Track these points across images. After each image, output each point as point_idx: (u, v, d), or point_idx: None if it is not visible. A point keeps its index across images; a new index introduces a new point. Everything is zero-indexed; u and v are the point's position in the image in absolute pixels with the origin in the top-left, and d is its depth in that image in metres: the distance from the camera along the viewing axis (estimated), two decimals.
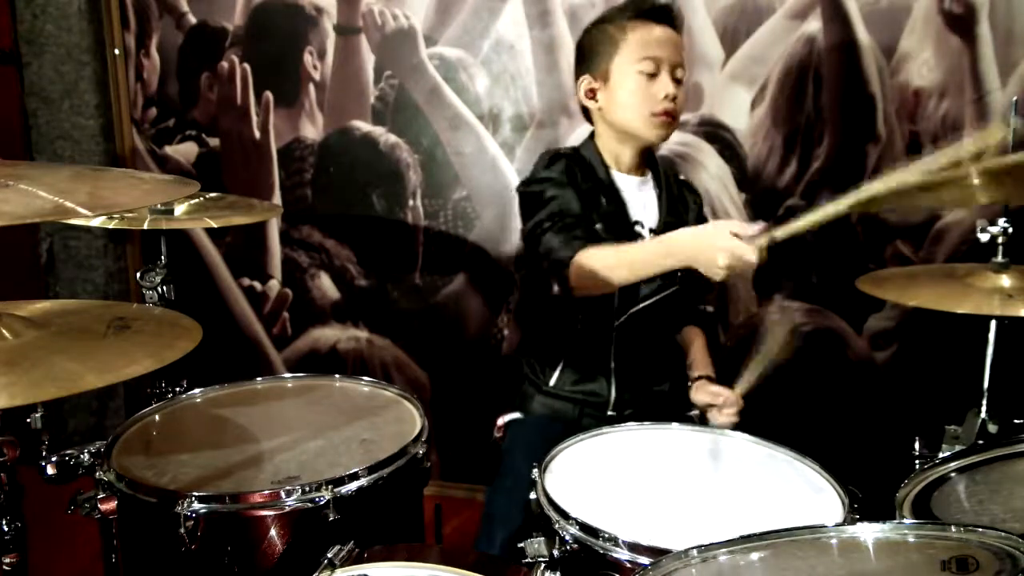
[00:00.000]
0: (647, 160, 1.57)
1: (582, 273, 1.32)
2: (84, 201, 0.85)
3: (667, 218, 1.52)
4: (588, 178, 1.48)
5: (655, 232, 1.51)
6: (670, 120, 1.44)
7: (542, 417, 1.54)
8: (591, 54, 1.49)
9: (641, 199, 1.53)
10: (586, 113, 1.56)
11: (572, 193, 1.43)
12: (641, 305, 1.48)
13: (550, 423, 1.51)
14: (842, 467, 1.16)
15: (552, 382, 1.54)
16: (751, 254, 1.15)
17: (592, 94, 1.50)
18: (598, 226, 1.44)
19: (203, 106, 2.41)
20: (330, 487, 1.11)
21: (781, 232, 1.16)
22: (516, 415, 1.57)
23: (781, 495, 1.14)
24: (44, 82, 2.40)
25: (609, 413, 1.50)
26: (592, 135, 1.56)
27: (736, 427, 1.32)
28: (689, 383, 1.52)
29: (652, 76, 1.42)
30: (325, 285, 2.41)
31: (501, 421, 1.58)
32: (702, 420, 1.58)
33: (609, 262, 1.31)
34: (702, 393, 1.46)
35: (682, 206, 1.57)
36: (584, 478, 1.18)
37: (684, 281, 1.46)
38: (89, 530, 1.39)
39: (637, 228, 1.50)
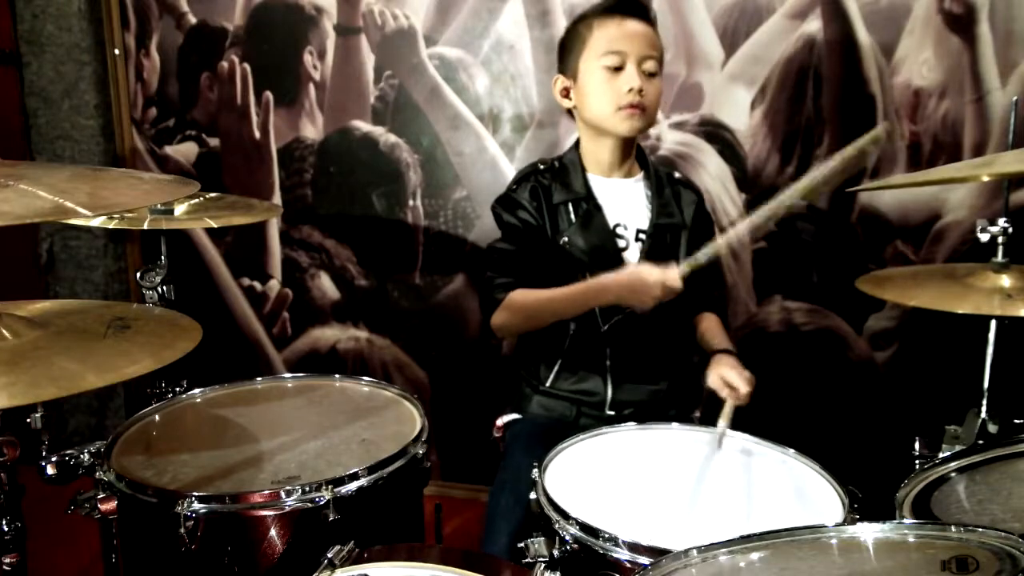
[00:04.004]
0: (638, 160, 1.57)
1: (509, 310, 1.44)
2: (84, 201, 0.85)
3: (658, 220, 1.51)
4: (563, 188, 1.50)
5: (644, 234, 1.50)
6: (639, 112, 1.44)
7: (540, 417, 1.54)
8: (564, 53, 1.52)
9: (627, 201, 1.53)
10: (572, 114, 1.56)
11: (531, 218, 1.49)
12: (627, 311, 1.47)
13: (548, 423, 1.51)
14: (842, 467, 1.16)
15: (549, 382, 1.54)
16: (679, 283, 1.30)
17: (566, 93, 1.52)
18: (564, 239, 1.47)
19: (203, 106, 2.41)
20: (330, 487, 1.11)
21: (703, 254, 1.31)
22: (515, 416, 1.57)
23: (781, 495, 1.14)
24: (44, 82, 2.40)
25: (608, 412, 1.50)
26: (579, 138, 1.56)
27: (736, 427, 1.32)
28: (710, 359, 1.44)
29: (617, 70, 1.43)
30: (325, 285, 2.41)
31: (500, 422, 1.58)
32: (702, 420, 1.58)
33: (531, 305, 1.43)
34: (715, 377, 1.35)
35: (677, 206, 1.56)
36: (584, 478, 1.18)
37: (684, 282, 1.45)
38: (89, 530, 1.39)
39: (619, 231, 1.50)
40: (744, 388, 1.30)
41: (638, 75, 1.42)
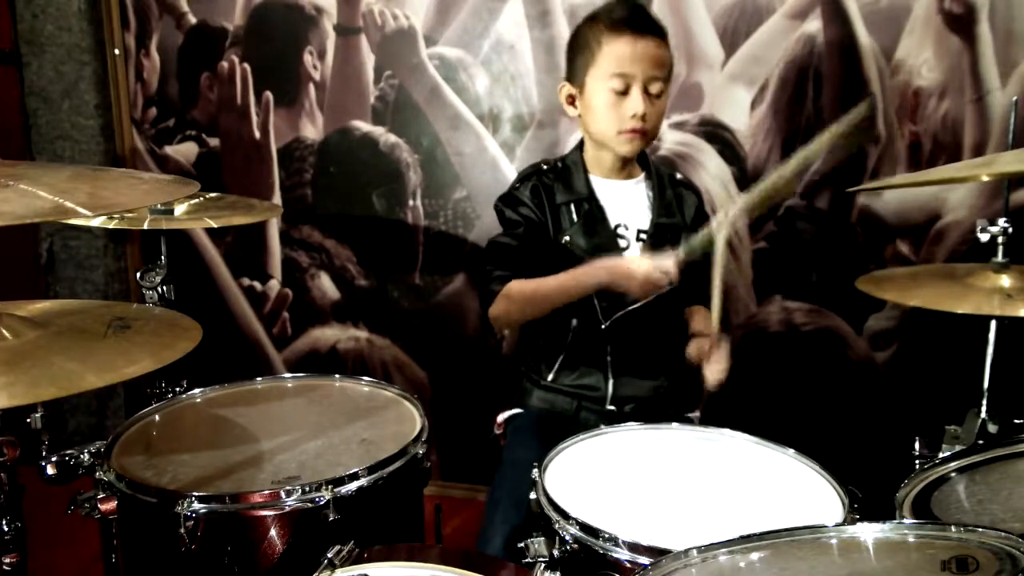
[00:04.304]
0: (640, 161, 1.58)
1: (507, 299, 1.44)
2: (84, 201, 0.85)
3: (659, 220, 1.52)
4: (566, 189, 1.51)
5: (645, 234, 1.51)
6: (640, 136, 1.45)
7: (541, 412, 1.54)
8: (572, 60, 1.51)
9: (629, 202, 1.53)
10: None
11: (533, 215, 1.50)
12: (628, 309, 1.48)
13: (549, 418, 1.52)
14: (842, 467, 1.16)
15: (550, 376, 1.54)
16: (672, 268, 1.32)
17: (571, 100, 1.52)
18: (566, 239, 1.48)
19: (203, 106, 2.41)
20: (330, 487, 1.11)
21: (697, 239, 1.33)
22: (515, 411, 1.57)
23: (781, 495, 1.14)
24: (44, 82, 2.40)
25: (608, 407, 1.50)
26: (582, 139, 1.57)
27: (736, 427, 1.32)
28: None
29: (622, 93, 1.42)
30: (325, 285, 2.41)
31: (501, 418, 1.59)
32: (702, 420, 1.58)
33: (528, 292, 1.43)
34: (692, 346, 1.41)
35: (679, 207, 1.57)
36: (584, 478, 1.18)
37: (680, 281, 1.45)
38: (89, 530, 1.39)
39: (620, 231, 1.51)
40: (716, 349, 1.36)
41: (643, 100, 1.42)
